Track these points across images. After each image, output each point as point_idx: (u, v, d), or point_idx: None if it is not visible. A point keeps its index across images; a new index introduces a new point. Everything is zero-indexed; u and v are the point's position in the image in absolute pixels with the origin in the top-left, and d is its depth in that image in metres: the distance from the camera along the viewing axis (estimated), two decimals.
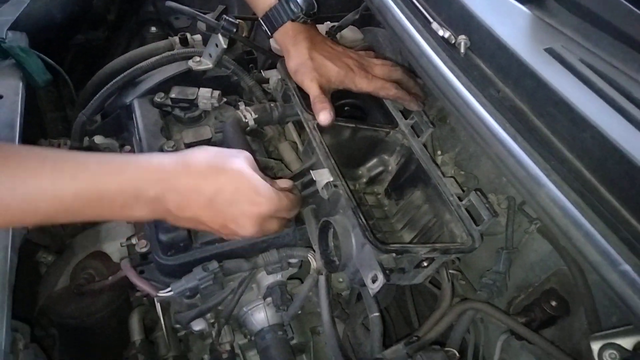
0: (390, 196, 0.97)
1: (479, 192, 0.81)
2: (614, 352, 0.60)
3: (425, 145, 0.92)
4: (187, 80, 1.02)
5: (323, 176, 0.75)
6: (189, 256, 0.81)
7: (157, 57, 1.04)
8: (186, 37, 1.11)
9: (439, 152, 1.03)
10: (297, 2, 0.87)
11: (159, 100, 0.98)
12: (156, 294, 0.78)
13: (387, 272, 0.66)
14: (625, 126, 0.57)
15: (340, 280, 0.93)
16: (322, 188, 0.75)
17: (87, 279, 0.93)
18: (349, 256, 0.71)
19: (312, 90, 0.87)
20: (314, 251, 0.82)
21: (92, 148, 1.08)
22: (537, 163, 0.57)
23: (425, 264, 0.74)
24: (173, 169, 0.63)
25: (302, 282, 0.98)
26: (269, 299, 0.89)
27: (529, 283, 0.88)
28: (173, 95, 0.96)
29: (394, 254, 0.68)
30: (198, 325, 0.89)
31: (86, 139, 1.08)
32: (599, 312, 0.74)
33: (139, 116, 0.97)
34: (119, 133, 1.09)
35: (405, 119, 0.95)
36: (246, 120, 0.83)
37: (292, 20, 0.89)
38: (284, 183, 0.77)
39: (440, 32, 0.75)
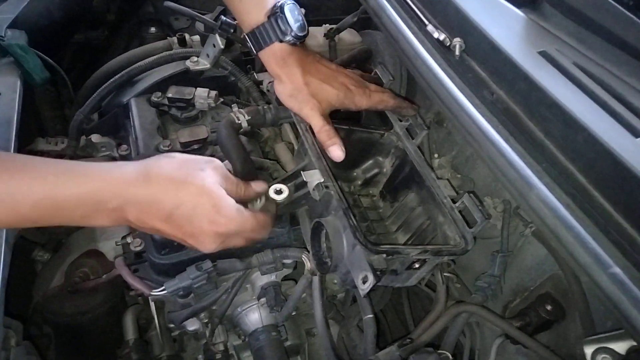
0: (385, 198, 0.97)
1: (472, 195, 0.81)
2: (607, 356, 0.60)
3: (420, 148, 0.92)
4: (185, 80, 1.02)
5: (314, 177, 0.75)
6: (182, 255, 0.81)
7: (154, 57, 1.05)
8: (184, 38, 1.11)
9: (436, 155, 1.03)
10: (287, 23, 0.79)
11: (156, 99, 0.98)
12: (149, 293, 0.78)
13: (378, 273, 0.66)
14: (617, 129, 0.57)
15: (335, 282, 0.93)
16: (314, 189, 0.75)
17: (82, 277, 0.93)
18: (340, 257, 0.71)
19: (315, 121, 0.82)
20: (309, 252, 0.82)
21: (89, 147, 1.08)
22: (529, 165, 0.57)
23: (417, 265, 0.74)
24: (134, 180, 0.62)
25: (296, 283, 0.98)
26: (263, 300, 0.89)
27: (525, 287, 0.88)
28: (170, 95, 0.97)
29: (384, 255, 0.68)
30: (192, 325, 0.89)
31: (83, 137, 1.08)
32: (594, 316, 0.74)
33: (136, 115, 0.97)
34: (115, 132, 1.10)
35: (400, 121, 0.95)
36: (239, 122, 0.83)
37: (280, 41, 0.82)
38: (259, 186, 0.74)
39: (436, 35, 0.75)
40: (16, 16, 1.09)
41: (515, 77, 0.66)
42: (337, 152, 0.81)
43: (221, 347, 0.90)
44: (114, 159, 1.07)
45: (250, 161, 0.83)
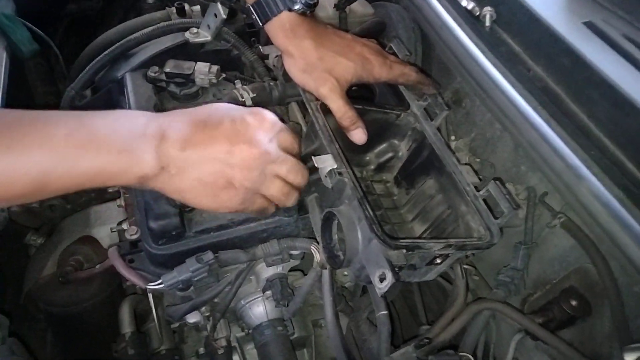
0: (400, 184, 0.90)
1: (498, 182, 0.74)
2: None
3: (439, 130, 0.84)
4: (184, 54, 0.95)
5: (326, 163, 0.68)
6: (181, 245, 0.75)
7: (151, 28, 0.97)
8: (183, 7, 1.03)
9: (453, 138, 0.97)
10: None
11: (152, 74, 0.91)
12: (145, 286, 0.72)
13: (397, 269, 0.60)
14: None
15: (345, 273, 0.87)
16: (326, 176, 0.68)
17: (75, 266, 0.88)
18: (354, 251, 0.65)
19: (335, 104, 0.76)
20: (318, 243, 0.76)
21: None
22: (576, 153, 0.50)
23: (438, 260, 0.68)
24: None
25: (304, 274, 0.93)
26: (268, 292, 0.83)
27: (547, 280, 0.83)
28: (168, 70, 0.89)
29: (404, 251, 0.61)
30: (192, 318, 0.84)
31: None
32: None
33: (131, 91, 0.90)
34: (109, 109, 1.02)
35: (418, 100, 0.87)
36: (243, 100, 0.75)
37: (289, 10, 0.75)
38: None
39: (464, 3, 0.68)
40: None
41: (555, 51, 0.59)
42: (359, 135, 0.76)
43: (223, 343, 0.85)
44: None
45: None
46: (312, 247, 0.77)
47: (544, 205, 0.82)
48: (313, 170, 0.71)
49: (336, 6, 1.09)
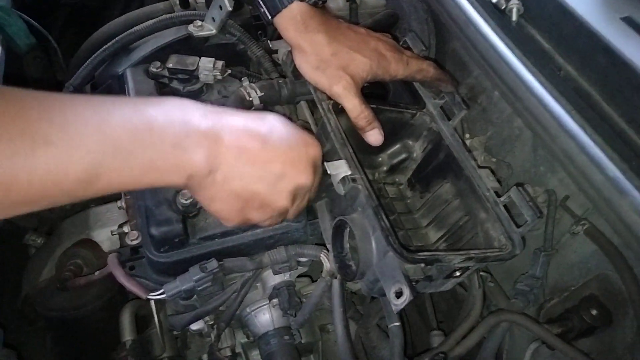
0: (413, 187, 0.85)
1: (520, 188, 0.70)
2: None
3: (456, 130, 0.80)
4: (187, 48, 0.91)
5: (340, 169, 0.63)
6: (184, 253, 0.71)
7: (153, 21, 0.93)
8: None
9: (467, 136, 0.92)
10: None
11: (154, 70, 0.87)
12: (146, 296, 0.68)
13: (414, 284, 0.56)
14: None
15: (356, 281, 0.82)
16: (338, 182, 0.64)
17: (74, 271, 0.85)
18: (367, 263, 0.61)
19: (350, 104, 0.72)
20: (327, 250, 0.72)
21: None
22: (616, 164, 0.45)
23: (457, 273, 0.63)
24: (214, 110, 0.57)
25: (312, 280, 0.89)
26: (274, 300, 0.79)
27: (565, 286, 0.80)
28: (170, 65, 0.85)
29: (422, 265, 0.57)
30: (196, 325, 0.80)
31: None
32: None
33: (132, 88, 0.86)
34: None
35: (434, 98, 0.82)
36: (250, 99, 0.71)
37: (300, 0, 0.71)
38: None
39: None
40: None
41: (590, 49, 0.54)
42: (376, 136, 0.73)
43: (228, 353, 0.82)
44: None
45: None
46: (321, 255, 0.73)
47: (565, 209, 0.78)
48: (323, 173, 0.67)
49: None
